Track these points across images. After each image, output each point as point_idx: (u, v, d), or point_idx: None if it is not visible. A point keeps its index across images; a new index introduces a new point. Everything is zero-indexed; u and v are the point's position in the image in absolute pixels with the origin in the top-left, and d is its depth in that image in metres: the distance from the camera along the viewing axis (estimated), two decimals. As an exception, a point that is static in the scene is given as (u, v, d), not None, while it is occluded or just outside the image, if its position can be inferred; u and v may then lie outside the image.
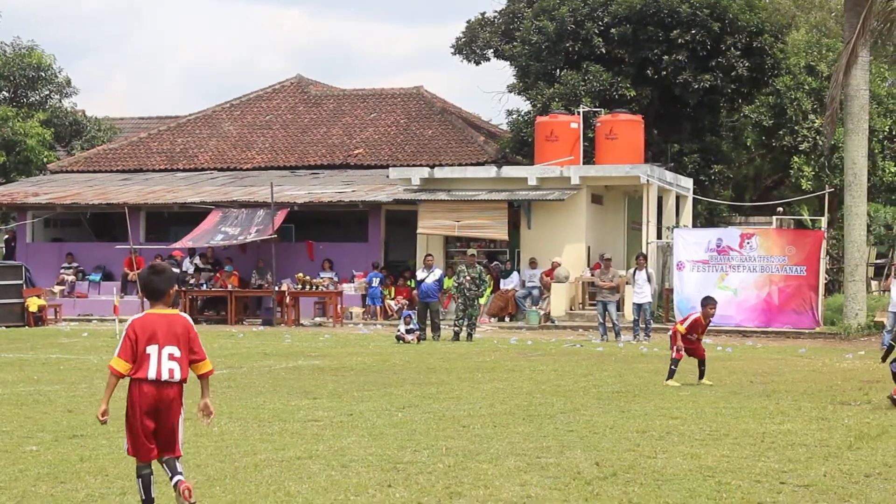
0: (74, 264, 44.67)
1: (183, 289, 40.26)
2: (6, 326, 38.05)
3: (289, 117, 51.14)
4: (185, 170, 49.21)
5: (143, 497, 9.76)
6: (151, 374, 9.66)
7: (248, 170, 48.58)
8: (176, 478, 9.73)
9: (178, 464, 9.86)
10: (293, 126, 50.60)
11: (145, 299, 9.99)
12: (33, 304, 39.46)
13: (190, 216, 42.99)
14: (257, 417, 16.00)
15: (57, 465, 12.28)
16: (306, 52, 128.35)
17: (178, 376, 9.87)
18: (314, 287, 40.30)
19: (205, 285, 41.20)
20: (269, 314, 39.72)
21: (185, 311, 38.97)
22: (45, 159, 52.12)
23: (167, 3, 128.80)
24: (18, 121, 51.70)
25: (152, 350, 9.69)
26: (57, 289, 43.24)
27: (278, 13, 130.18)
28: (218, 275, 41.54)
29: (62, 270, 44.28)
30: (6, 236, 49.01)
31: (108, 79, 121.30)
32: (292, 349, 28.27)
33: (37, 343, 30.82)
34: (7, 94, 55.20)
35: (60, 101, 56.26)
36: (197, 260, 41.95)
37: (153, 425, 9.75)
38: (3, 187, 49.14)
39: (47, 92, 55.75)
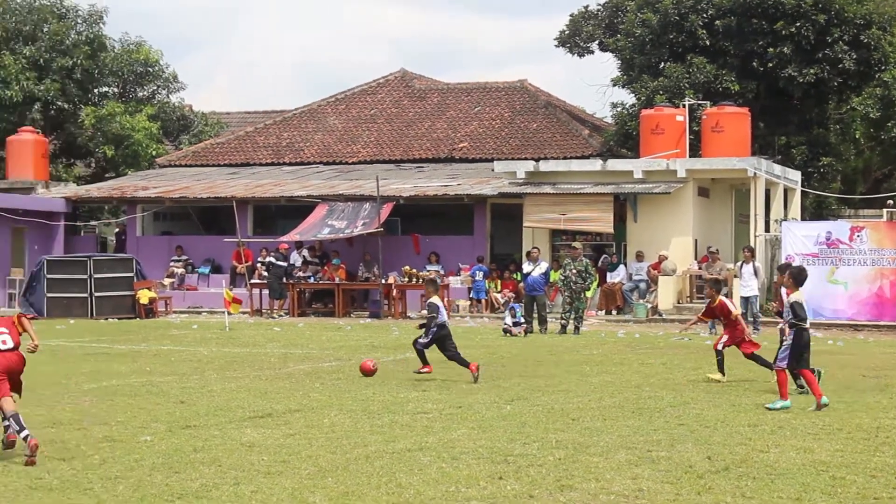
0: (184, 257, 45.18)
1: (290, 281, 40.58)
2: (118, 318, 38.63)
3: (393, 111, 51.31)
4: (291, 164, 49.56)
5: None
6: None
7: (353, 163, 48.81)
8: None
9: None
10: (398, 120, 50.76)
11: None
12: (144, 296, 40.02)
13: (297, 210, 43.29)
14: (367, 409, 16.10)
15: (171, 456, 12.45)
16: (410, 46, 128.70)
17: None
18: (421, 280, 40.38)
19: (312, 278, 41.47)
20: (376, 307, 39.86)
21: (292, 304, 39.52)
22: (153, 152, 52.76)
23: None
24: (126, 116, 52.38)
25: None
26: (167, 281, 43.77)
27: (382, 7, 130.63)
28: (325, 268, 41.80)
29: (172, 263, 44.82)
30: (117, 230, 49.70)
31: (213, 74, 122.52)
32: (399, 342, 28.37)
33: (148, 335, 31.24)
34: (116, 90, 55.94)
35: (168, 97, 56.94)
36: (305, 253, 42.22)
37: None
38: (114, 181, 49.83)
39: (155, 87, 56.43)
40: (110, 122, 51.73)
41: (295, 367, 22.92)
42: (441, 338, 20.17)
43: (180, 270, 44.52)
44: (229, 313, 34.40)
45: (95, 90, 55.41)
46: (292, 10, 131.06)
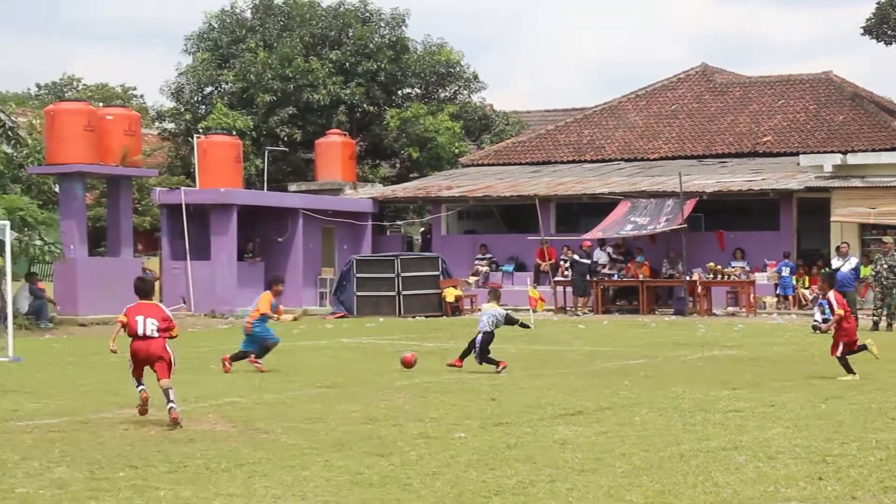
0: (488, 255, 45.68)
1: (594, 279, 40.58)
2: (425, 316, 39.35)
3: (694, 106, 50.72)
4: (592, 161, 49.55)
5: None
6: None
7: (654, 160, 48.48)
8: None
9: None
10: (699, 115, 50.16)
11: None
12: (450, 294, 40.68)
13: (599, 207, 43.26)
14: (678, 407, 15.93)
15: (485, 452, 12.55)
16: (709, 40, 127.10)
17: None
18: (726, 276, 39.82)
19: (616, 275, 41.38)
20: (680, 304, 39.50)
21: (596, 301, 39.49)
22: (455, 151, 53.48)
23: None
24: (430, 117, 53.25)
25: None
26: (472, 279, 44.34)
27: (680, 2, 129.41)
28: (629, 265, 41.65)
29: (476, 261, 45.37)
30: (422, 229, 50.61)
31: (512, 73, 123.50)
32: (706, 339, 28.05)
33: (455, 332, 31.65)
34: (419, 91, 56.95)
35: (469, 97, 57.63)
36: (609, 250, 42.18)
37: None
38: (418, 181, 50.75)
39: (456, 88, 57.18)
40: (414, 124, 52.72)
41: (602, 364, 22.89)
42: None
43: (485, 268, 45.04)
44: (534, 311, 34.62)
45: (399, 92, 56.55)
46: (589, 7, 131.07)
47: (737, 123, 48.98)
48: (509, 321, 21.37)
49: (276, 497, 10.30)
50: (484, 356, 21.15)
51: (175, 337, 15.16)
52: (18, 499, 10.23)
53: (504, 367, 20.86)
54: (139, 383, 15.04)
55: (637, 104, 51.95)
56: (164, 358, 14.79)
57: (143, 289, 15.44)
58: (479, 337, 21.10)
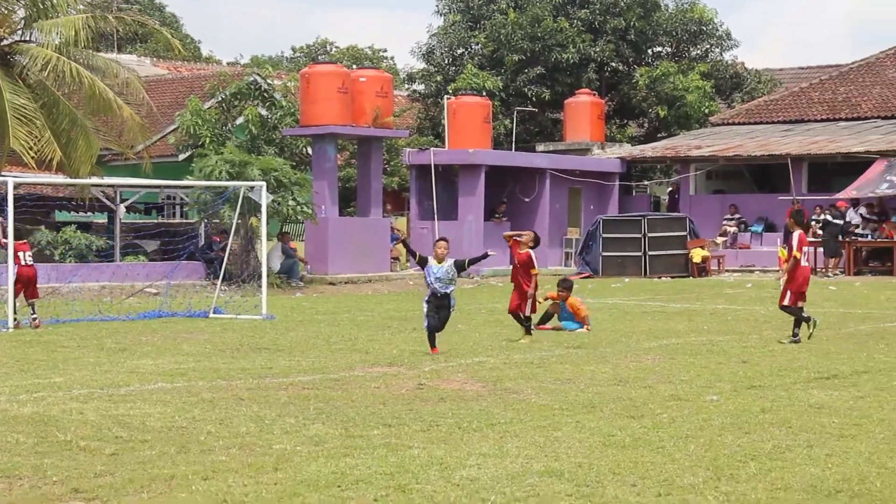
0: (737, 216, 44.94)
1: (847, 240, 39.57)
2: (671, 277, 39.00)
3: (957, 61, 48.86)
4: (847, 119, 48.18)
5: None
6: None
7: (913, 117, 46.93)
8: None
9: None
10: (961, 70, 48.30)
11: None
12: (697, 255, 40.18)
13: (853, 166, 42.07)
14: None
15: (739, 416, 12.35)
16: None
17: None
18: None
19: (870, 236, 40.24)
20: (937, 266, 38.22)
21: (848, 262, 38.48)
22: (705, 111, 52.68)
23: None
24: (680, 76, 52.52)
25: None
26: (720, 240, 43.70)
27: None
28: (884, 225, 40.45)
29: (725, 222, 44.68)
30: (670, 188, 50.08)
31: (765, 30, 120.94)
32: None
33: (702, 293, 31.31)
34: (669, 50, 56.21)
35: (721, 55, 56.60)
36: (862, 210, 41.03)
37: None
38: (667, 141, 50.18)
39: (708, 46, 56.22)
40: (664, 83, 52.06)
41: (855, 327, 22.34)
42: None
43: (733, 229, 44.33)
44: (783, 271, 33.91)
45: (649, 50, 55.95)
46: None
47: None
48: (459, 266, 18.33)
49: (529, 458, 10.30)
50: None
51: None
52: (276, 454, 10.46)
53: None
54: None
55: None
56: None
57: None
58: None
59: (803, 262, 19.96)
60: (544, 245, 41.75)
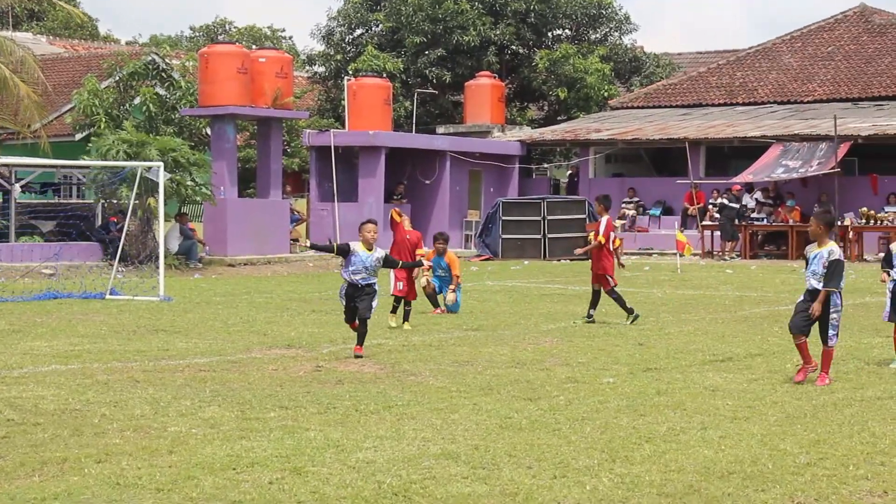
0: (635, 199, 45.32)
1: (743, 223, 40.05)
2: (570, 260, 39.17)
3: (851, 48, 49.50)
4: (744, 104, 48.74)
5: None
6: None
7: (808, 102, 47.51)
8: None
9: None
10: (856, 56, 48.96)
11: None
12: (594, 237, 40.33)
13: (750, 150, 42.59)
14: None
15: (634, 398, 12.45)
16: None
17: None
18: (879, 222, 38.99)
19: (766, 220, 40.77)
20: (830, 250, 38.71)
21: (744, 246, 38.96)
22: (604, 94, 52.97)
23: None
24: (579, 58, 52.77)
25: None
26: (618, 223, 43.98)
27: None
28: (779, 209, 40.99)
29: (623, 205, 45.02)
30: (570, 172, 50.34)
31: (664, 15, 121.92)
32: (857, 285, 27.51)
33: (601, 276, 31.43)
34: (569, 33, 56.46)
35: (620, 38, 57.02)
36: (758, 194, 41.53)
37: None
38: (567, 124, 50.43)
39: (607, 29, 56.58)
40: (563, 65, 52.28)
41: (750, 310, 22.62)
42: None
43: (632, 212, 44.70)
44: (681, 255, 34.27)
45: (549, 33, 56.16)
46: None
47: (895, 65, 47.74)
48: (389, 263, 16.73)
49: (426, 440, 10.31)
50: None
51: None
52: (171, 437, 10.37)
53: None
54: None
55: (792, 46, 50.90)
56: None
57: None
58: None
59: (611, 248, 20.36)
60: (445, 227, 41.83)
